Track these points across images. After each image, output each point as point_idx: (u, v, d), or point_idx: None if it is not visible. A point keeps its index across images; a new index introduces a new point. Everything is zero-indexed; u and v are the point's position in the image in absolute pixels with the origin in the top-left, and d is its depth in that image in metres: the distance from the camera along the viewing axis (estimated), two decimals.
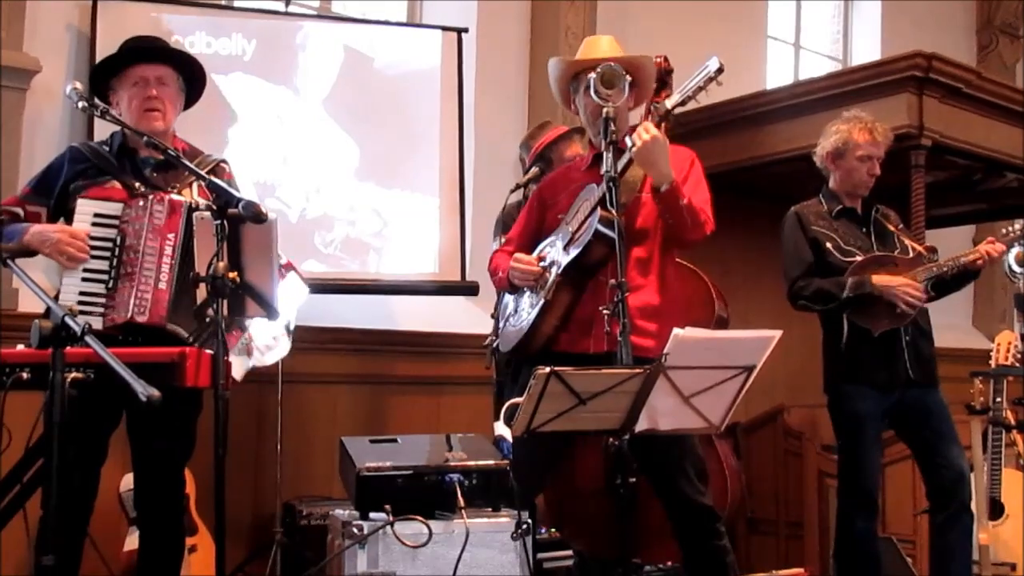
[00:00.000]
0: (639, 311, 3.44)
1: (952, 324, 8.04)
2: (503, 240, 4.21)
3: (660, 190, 3.43)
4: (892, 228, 4.37)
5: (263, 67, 5.23)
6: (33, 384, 2.78)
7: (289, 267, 3.66)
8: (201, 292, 3.14)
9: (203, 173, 3.17)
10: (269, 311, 3.23)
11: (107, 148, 3.49)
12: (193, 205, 3.34)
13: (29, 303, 4.21)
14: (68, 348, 2.53)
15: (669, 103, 3.47)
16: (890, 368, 4.20)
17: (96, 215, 3.30)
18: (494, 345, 4.39)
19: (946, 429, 4.23)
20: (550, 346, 3.58)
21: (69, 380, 2.54)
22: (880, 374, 4.20)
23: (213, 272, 2.90)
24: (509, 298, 3.82)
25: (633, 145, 3.37)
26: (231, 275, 2.93)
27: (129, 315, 3.21)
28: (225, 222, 2.96)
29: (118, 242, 3.29)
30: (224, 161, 3.61)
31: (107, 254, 3.29)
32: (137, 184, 3.38)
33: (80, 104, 3.22)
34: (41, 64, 4.67)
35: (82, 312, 3.10)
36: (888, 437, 4.58)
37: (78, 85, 3.25)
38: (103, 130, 3.56)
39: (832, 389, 4.34)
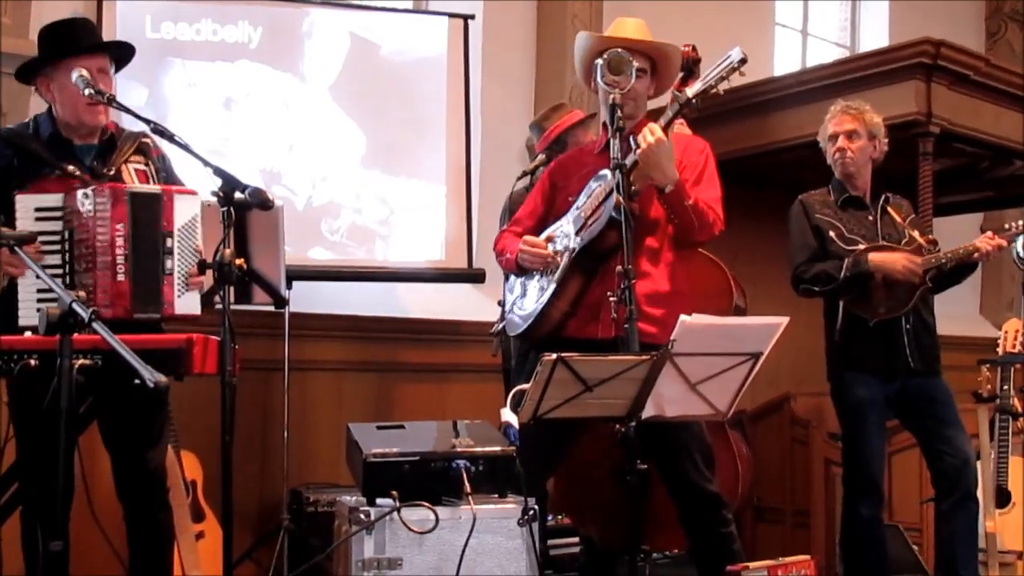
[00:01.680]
0: (646, 298, 3.43)
1: (959, 312, 8.02)
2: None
3: (664, 191, 3.42)
4: (899, 219, 4.36)
5: (269, 54, 5.23)
6: (40, 371, 2.79)
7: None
8: (208, 278, 3.14)
9: (205, 157, 3.13)
10: (276, 298, 3.23)
11: (32, 133, 3.39)
12: (133, 192, 3.28)
13: None
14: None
15: (690, 92, 3.45)
16: (891, 357, 4.20)
17: (37, 209, 3.21)
18: (501, 331, 4.39)
19: (950, 416, 4.23)
20: (558, 332, 3.57)
21: (76, 366, 2.54)
22: (881, 363, 4.21)
23: (220, 259, 2.91)
24: (516, 281, 3.80)
25: (638, 147, 3.36)
26: (238, 262, 2.93)
27: (94, 312, 3.17)
28: (231, 209, 2.96)
29: (67, 236, 3.22)
30: (146, 135, 3.48)
31: (57, 247, 3.22)
32: (77, 172, 3.30)
33: (87, 91, 3.21)
34: None
35: (44, 301, 3.04)
36: (893, 426, 4.57)
37: (84, 72, 3.23)
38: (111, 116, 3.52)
39: (834, 377, 4.35)
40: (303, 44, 5.32)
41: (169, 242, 3.28)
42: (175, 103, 5.01)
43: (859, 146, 4.29)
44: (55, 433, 2.49)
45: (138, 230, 3.25)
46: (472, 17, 5.71)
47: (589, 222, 3.49)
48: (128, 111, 3.30)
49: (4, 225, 3.23)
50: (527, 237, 3.68)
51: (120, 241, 3.22)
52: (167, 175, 3.55)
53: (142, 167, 3.48)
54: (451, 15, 5.67)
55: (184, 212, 3.29)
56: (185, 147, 3.20)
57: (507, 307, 3.85)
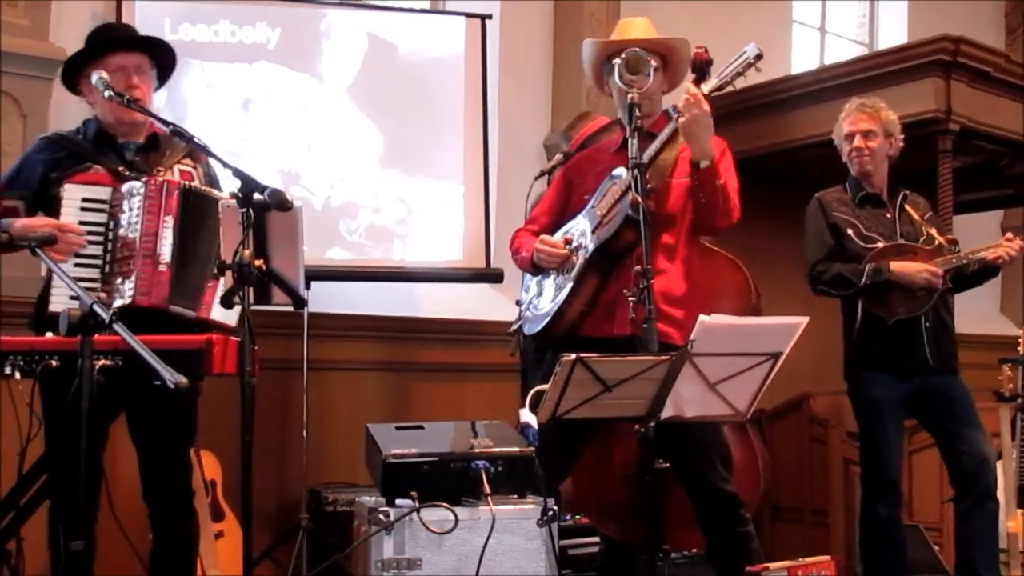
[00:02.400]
0: (663, 296, 3.43)
1: (980, 311, 7.99)
2: None
3: (699, 166, 3.41)
4: (917, 216, 4.34)
5: (287, 55, 5.24)
6: (62, 372, 2.81)
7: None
8: (228, 279, 3.15)
9: (222, 158, 3.14)
10: (295, 298, 3.23)
11: (81, 136, 3.45)
12: (188, 186, 3.34)
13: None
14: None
15: (706, 88, 3.44)
16: (909, 356, 4.19)
17: (84, 199, 3.27)
18: (519, 330, 4.39)
19: (968, 415, 4.21)
20: (575, 330, 3.57)
21: (97, 367, 2.56)
22: (898, 361, 4.20)
23: (239, 260, 2.91)
24: (531, 280, 3.80)
25: (680, 115, 3.35)
26: (257, 263, 2.93)
27: (131, 299, 3.19)
28: (250, 210, 2.97)
29: (110, 226, 3.27)
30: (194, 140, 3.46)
31: (99, 239, 3.26)
32: (121, 168, 3.36)
33: (107, 93, 3.22)
34: (67, 53, 4.68)
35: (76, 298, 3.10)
36: (912, 425, 4.56)
37: (104, 75, 3.25)
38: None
39: (851, 375, 4.35)
40: (321, 45, 5.34)
41: None
42: (194, 104, 5.02)
43: (875, 145, 4.28)
44: (77, 433, 2.50)
45: (191, 227, 3.29)
46: (489, 17, 5.71)
47: (605, 221, 3.49)
48: (147, 112, 3.33)
49: (48, 216, 3.31)
50: (544, 236, 3.68)
51: (167, 233, 3.26)
52: (211, 181, 3.58)
53: (189, 168, 3.52)
54: (468, 15, 5.67)
55: None
56: (204, 148, 3.21)
57: (523, 306, 3.85)
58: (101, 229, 3.27)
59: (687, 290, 3.58)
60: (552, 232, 3.73)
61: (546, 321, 3.62)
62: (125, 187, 3.29)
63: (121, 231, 3.26)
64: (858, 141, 4.28)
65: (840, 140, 4.36)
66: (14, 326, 3.30)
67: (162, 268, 3.25)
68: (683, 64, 3.64)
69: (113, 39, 3.47)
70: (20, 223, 3.18)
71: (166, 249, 3.26)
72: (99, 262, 3.25)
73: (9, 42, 4.51)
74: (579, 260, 3.54)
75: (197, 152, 3.48)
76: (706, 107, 3.34)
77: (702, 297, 3.59)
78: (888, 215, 4.32)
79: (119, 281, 3.23)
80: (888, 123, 4.30)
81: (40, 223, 3.20)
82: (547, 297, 3.66)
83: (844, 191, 4.39)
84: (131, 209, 3.27)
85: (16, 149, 4.45)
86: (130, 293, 3.21)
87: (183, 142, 3.42)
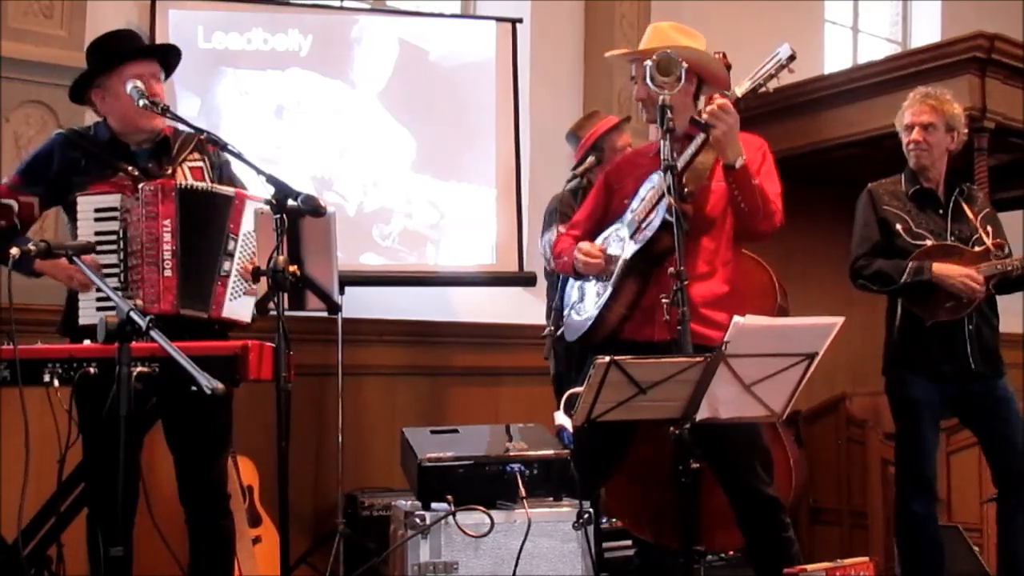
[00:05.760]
0: (704, 301, 3.43)
1: (1019, 309, 7.90)
2: (557, 229, 4.19)
3: (734, 167, 3.38)
4: (972, 215, 4.23)
5: (319, 62, 5.26)
6: (99, 379, 2.84)
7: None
8: (262, 286, 3.17)
9: (257, 165, 3.15)
10: (329, 304, 3.25)
11: (93, 136, 3.44)
12: (185, 186, 3.33)
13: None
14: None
15: (739, 91, 3.41)
16: (952, 359, 4.12)
17: (97, 210, 3.27)
18: (555, 334, 4.38)
19: (1013, 416, 4.16)
20: (616, 335, 3.57)
21: (135, 374, 2.58)
22: (939, 365, 4.13)
23: (273, 265, 2.93)
24: (573, 285, 3.80)
25: (713, 126, 3.33)
26: (291, 268, 2.95)
27: (141, 307, 3.21)
28: (284, 216, 2.98)
29: (121, 235, 3.27)
30: (202, 132, 3.43)
31: (114, 247, 3.27)
32: (136, 173, 3.36)
33: (141, 102, 3.25)
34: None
35: (102, 308, 3.12)
36: (952, 425, 4.51)
37: (139, 84, 3.28)
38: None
39: (889, 373, 4.30)
40: (352, 51, 5.36)
41: (232, 244, 3.32)
42: (227, 112, 5.06)
43: (935, 139, 4.18)
44: (115, 439, 2.52)
45: (191, 226, 3.29)
46: (520, 21, 5.72)
47: (643, 225, 3.49)
48: (181, 120, 3.34)
49: (71, 228, 3.35)
50: (582, 245, 3.66)
51: (167, 236, 3.26)
52: (220, 170, 3.56)
53: (198, 163, 3.51)
54: (499, 19, 5.68)
55: (251, 219, 3.33)
56: (238, 155, 3.23)
57: (566, 311, 3.84)
58: (114, 238, 3.28)
59: (728, 293, 3.56)
60: (593, 237, 3.72)
61: (588, 325, 3.62)
62: (133, 194, 3.29)
63: (130, 238, 3.27)
64: (916, 134, 4.19)
65: (901, 129, 4.26)
66: (41, 333, 3.32)
67: (167, 273, 3.25)
68: (710, 74, 3.61)
69: (131, 49, 3.44)
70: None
71: (167, 253, 3.26)
72: (117, 270, 3.26)
73: (45, 53, 4.56)
74: (618, 265, 3.53)
75: (205, 143, 3.46)
76: (736, 115, 3.33)
77: (744, 300, 3.57)
78: (941, 212, 4.24)
79: (133, 289, 3.23)
80: (951, 116, 4.18)
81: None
82: (589, 302, 3.66)
83: (899, 183, 4.30)
84: (134, 215, 3.27)
85: None
86: (140, 302, 3.18)
87: (193, 136, 3.43)
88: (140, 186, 3.28)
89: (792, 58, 3.31)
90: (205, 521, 3.43)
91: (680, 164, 3.36)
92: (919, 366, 4.16)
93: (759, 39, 3.39)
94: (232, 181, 3.54)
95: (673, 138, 3.32)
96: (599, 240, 3.67)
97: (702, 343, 3.15)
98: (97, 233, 3.25)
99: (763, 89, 3.40)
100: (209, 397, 2.42)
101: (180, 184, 3.34)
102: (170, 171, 3.41)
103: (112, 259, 3.26)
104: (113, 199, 3.29)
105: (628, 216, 3.59)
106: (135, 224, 3.26)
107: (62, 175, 3.36)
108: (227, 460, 3.57)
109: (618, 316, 3.54)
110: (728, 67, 3.67)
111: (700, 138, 3.43)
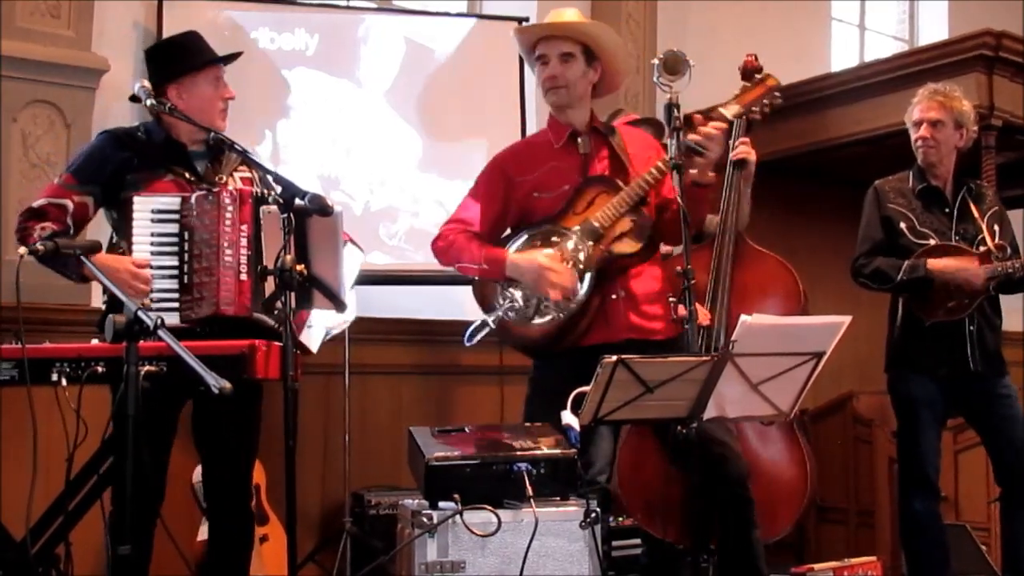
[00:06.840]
0: (647, 297, 3.48)
1: (1020, 307, 7.89)
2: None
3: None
4: (978, 214, 4.22)
5: (326, 61, 5.28)
6: (107, 378, 2.85)
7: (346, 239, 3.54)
8: (269, 285, 3.18)
9: (268, 167, 3.19)
10: (336, 303, 3.25)
11: (144, 138, 3.44)
12: (259, 195, 3.35)
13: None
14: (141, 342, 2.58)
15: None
16: (952, 359, 4.12)
17: (155, 211, 3.28)
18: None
19: (1015, 414, 4.16)
20: (578, 341, 3.48)
21: (143, 373, 2.58)
22: (940, 364, 4.13)
23: (281, 265, 2.93)
24: (506, 289, 3.63)
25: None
26: (298, 268, 2.95)
27: (216, 308, 3.21)
28: (292, 215, 2.99)
29: (185, 236, 3.27)
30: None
31: (174, 249, 3.27)
32: (192, 177, 3.38)
33: (149, 102, 3.27)
34: (109, 63, 4.74)
35: (158, 308, 3.12)
36: (958, 424, 4.51)
37: (146, 83, 3.30)
38: None
39: (891, 371, 4.31)
40: (359, 50, 5.36)
41: None
42: (234, 111, 5.05)
43: (943, 136, 4.18)
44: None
45: (258, 233, 3.31)
46: (526, 19, 5.70)
47: (613, 234, 3.45)
48: (189, 120, 3.34)
49: (117, 225, 3.35)
50: (553, 264, 3.44)
51: (244, 242, 3.28)
52: (266, 186, 3.58)
53: (247, 175, 3.53)
54: (505, 18, 5.68)
55: None
56: (244, 154, 3.24)
57: (499, 312, 3.64)
58: (175, 240, 3.28)
59: (660, 290, 3.54)
60: (494, 234, 3.65)
61: (544, 339, 3.53)
62: (195, 196, 3.30)
63: (197, 240, 3.27)
64: (924, 130, 4.18)
65: (910, 124, 4.26)
66: (49, 332, 3.33)
67: (243, 278, 3.26)
68: (609, 55, 3.60)
69: (216, 55, 3.50)
70: (98, 262, 3.03)
71: (245, 258, 3.27)
72: (176, 272, 3.26)
73: (53, 53, 4.58)
74: (584, 286, 3.45)
75: (249, 157, 3.49)
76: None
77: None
78: (947, 211, 4.24)
79: (201, 291, 3.24)
80: (960, 113, 4.17)
81: (118, 265, 3.16)
82: (530, 307, 3.52)
83: (907, 180, 4.29)
84: (206, 218, 3.27)
85: (60, 159, 4.51)
86: (215, 303, 3.22)
87: (240, 148, 3.45)
88: (216, 190, 3.30)
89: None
90: (229, 524, 3.45)
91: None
92: (920, 365, 4.16)
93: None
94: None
95: (678, 136, 3.27)
96: (548, 251, 3.51)
97: (651, 338, 3.32)
98: (154, 235, 3.26)
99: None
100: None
101: (256, 192, 3.36)
102: (222, 178, 3.43)
103: (172, 260, 3.27)
104: (173, 201, 3.30)
105: (587, 224, 3.46)
106: (206, 227, 3.26)
107: (116, 174, 3.35)
108: (255, 462, 3.58)
109: (584, 327, 3.46)
110: (759, 69, 3.67)
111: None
